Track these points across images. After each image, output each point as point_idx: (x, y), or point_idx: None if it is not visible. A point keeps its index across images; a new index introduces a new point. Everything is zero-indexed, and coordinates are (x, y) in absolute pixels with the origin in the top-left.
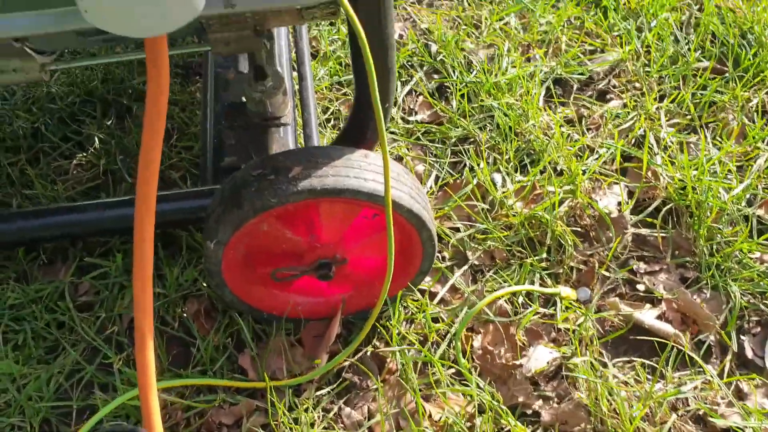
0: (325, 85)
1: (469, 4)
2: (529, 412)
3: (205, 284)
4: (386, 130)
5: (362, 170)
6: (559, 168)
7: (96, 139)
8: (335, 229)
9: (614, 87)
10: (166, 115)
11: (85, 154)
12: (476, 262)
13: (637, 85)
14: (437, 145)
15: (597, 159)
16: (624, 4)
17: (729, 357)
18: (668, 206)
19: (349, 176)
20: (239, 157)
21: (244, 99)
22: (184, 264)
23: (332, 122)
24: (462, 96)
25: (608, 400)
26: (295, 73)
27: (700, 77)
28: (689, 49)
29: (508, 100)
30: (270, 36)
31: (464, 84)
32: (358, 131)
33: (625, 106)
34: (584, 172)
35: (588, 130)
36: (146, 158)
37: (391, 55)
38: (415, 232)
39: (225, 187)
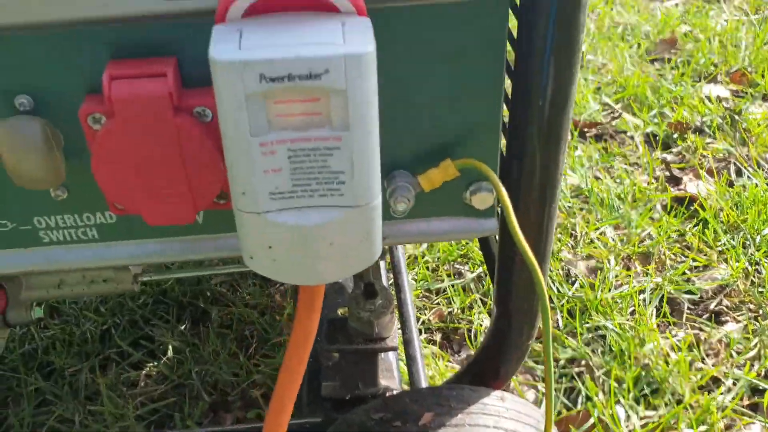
0: (416, 293)
1: (561, 211)
2: None
3: None
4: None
5: (500, 418)
6: (685, 400)
7: (169, 346)
8: None
9: (727, 307)
10: (306, 363)
11: (156, 364)
12: None
13: (752, 306)
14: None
15: (728, 393)
16: (724, 219)
17: None
18: None
19: (488, 426)
20: (341, 383)
21: (342, 313)
22: None
23: (423, 334)
24: (568, 312)
25: None
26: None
27: None
28: None
29: (620, 320)
30: (385, 250)
31: (566, 299)
32: (491, 366)
33: (745, 329)
34: (718, 409)
35: (707, 356)
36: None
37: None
38: None
39: (339, 430)
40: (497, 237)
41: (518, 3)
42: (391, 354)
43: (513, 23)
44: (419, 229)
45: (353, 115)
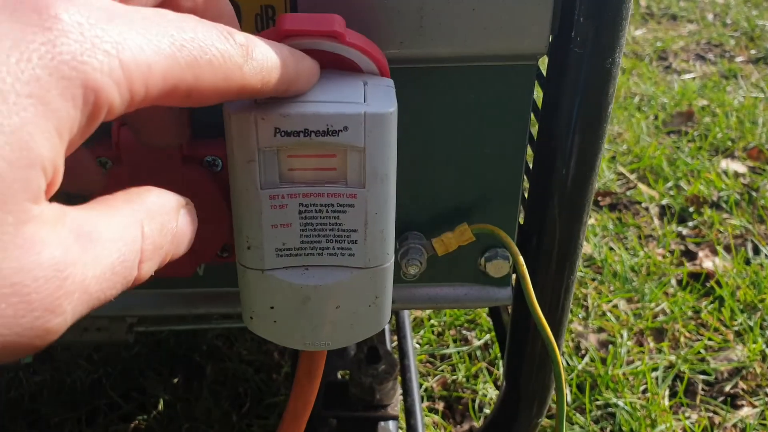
0: (420, 358)
1: None
2: None
3: None
4: None
5: None
6: None
7: (161, 400)
8: None
9: (743, 391)
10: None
11: (146, 417)
12: None
13: None
14: None
15: None
16: (741, 297)
17: None
18: None
19: None
20: None
21: (342, 375)
22: None
23: (425, 402)
24: (578, 387)
25: None
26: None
27: None
28: None
29: (631, 398)
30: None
31: (576, 372)
32: None
33: (762, 415)
34: None
35: None
36: None
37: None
38: None
39: None
40: (509, 307)
41: (545, 74)
42: (391, 423)
43: (537, 94)
44: (429, 295)
45: (370, 173)
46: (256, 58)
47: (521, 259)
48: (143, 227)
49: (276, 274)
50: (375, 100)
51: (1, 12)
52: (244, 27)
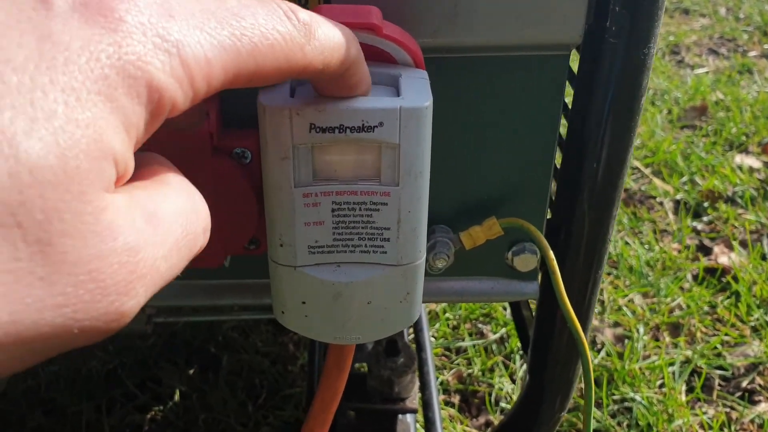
0: (435, 351)
1: None
2: None
3: None
4: None
5: None
6: None
7: (177, 391)
8: None
9: (760, 386)
10: (330, 424)
11: (162, 408)
12: None
13: None
14: None
15: None
16: (757, 293)
17: None
18: None
19: None
20: None
21: (358, 367)
22: None
23: (441, 395)
24: (594, 381)
25: None
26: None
27: None
28: None
29: (648, 393)
30: None
31: (592, 367)
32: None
33: None
34: None
35: None
36: None
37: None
38: None
39: None
40: (529, 301)
41: (576, 71)
42: (409, 416)
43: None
44: (456, 289)
45: (404, 170)
46: (318, 38)
47: (551, 253)
48: (195, 195)
49: (308, 270)
50: (410, 94)
51: (71, 15)
52: None
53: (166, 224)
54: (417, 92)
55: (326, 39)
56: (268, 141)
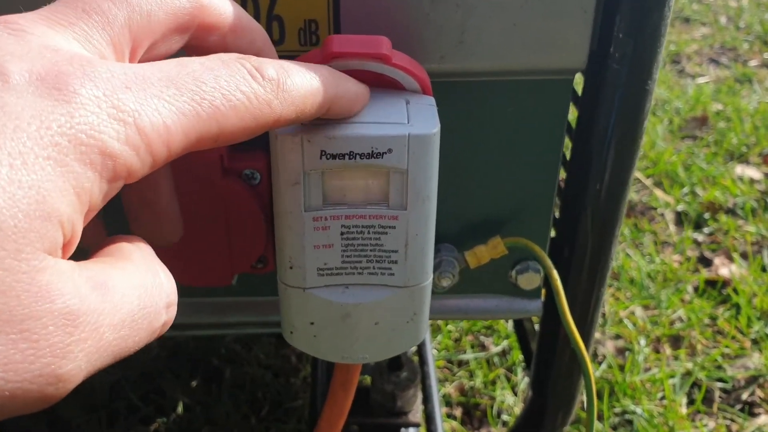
0: (437, 363)
1: None
2: None
3: None
4: None
5: None
6: None
7: (180, 403)
8: None
9: (761, 398)
10: None
11: (165, 420)
12: None
13: None
14: None
15: None
16: (757, 305)
17: None
18: None
19: None
20: None
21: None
22: None
23: (443, 407)
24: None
25: None
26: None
27: None
28: None
29: (648, 405)
30: None
31: (593, 379)
32: None
33: None
34: None
35: None
36: None
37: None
38: None
39: None
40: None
41: (579, 93)
42: (412, 430)
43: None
44: (460, 306)
45: (412, 195)
46: (288, 90)
47: (555, 273)
48: (160, 272)
49: (317, 292)
50: (418, 121)
51: (25, 89)
52: (287, 41)
53: (118, 295)
54: (425, 119)
55: (297, 89)
56: (279, 167)
